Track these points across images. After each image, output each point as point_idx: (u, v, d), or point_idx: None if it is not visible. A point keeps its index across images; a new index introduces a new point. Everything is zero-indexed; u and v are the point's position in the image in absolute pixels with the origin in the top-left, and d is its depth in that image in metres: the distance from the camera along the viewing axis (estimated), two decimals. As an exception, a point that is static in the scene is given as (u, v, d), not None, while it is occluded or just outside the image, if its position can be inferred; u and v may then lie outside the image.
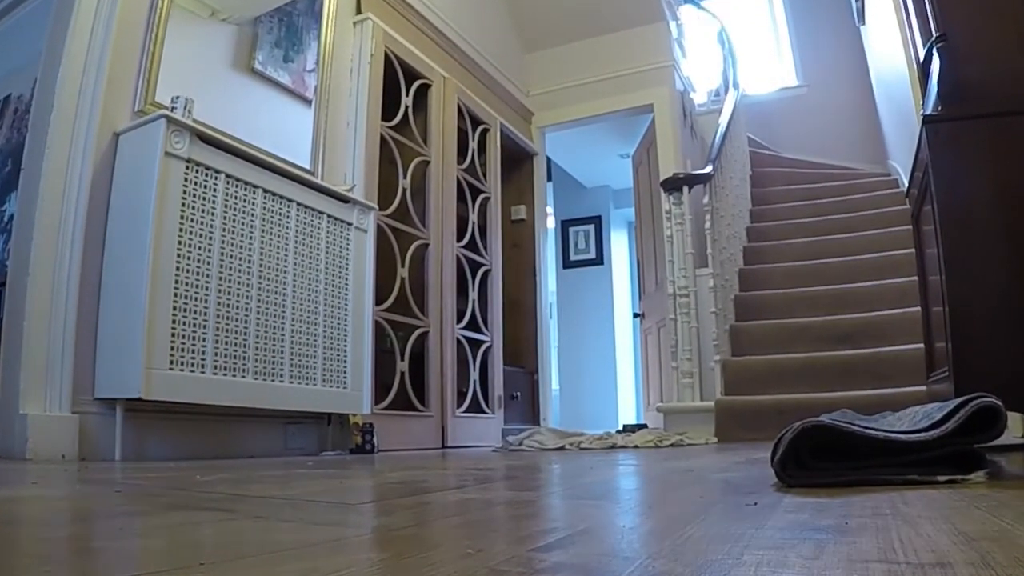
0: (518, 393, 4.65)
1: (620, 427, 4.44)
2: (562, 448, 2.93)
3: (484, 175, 4.44)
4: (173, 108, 2.25)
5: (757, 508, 0.83)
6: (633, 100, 4.89)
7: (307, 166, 2.97)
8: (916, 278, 2.45)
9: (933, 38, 1.88)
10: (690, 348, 3.48)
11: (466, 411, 3.87)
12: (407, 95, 3.70)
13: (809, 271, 4.10)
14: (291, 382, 2.51)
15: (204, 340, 2.20)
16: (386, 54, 3.52)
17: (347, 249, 2.86)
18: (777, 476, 1.07)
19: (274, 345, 2.46)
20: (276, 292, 2.49)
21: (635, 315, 5.41)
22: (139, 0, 2.35)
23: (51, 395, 1.99)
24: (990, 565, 0.50)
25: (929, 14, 1.93)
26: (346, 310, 2.82)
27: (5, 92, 3.01)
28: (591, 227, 7.02)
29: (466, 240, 4.12)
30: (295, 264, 2.59)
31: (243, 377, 2.32)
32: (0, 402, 1.98)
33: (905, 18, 2.73)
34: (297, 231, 2.62)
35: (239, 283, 2.34)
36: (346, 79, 3.31)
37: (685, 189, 3.65)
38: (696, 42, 5.69)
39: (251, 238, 2.41)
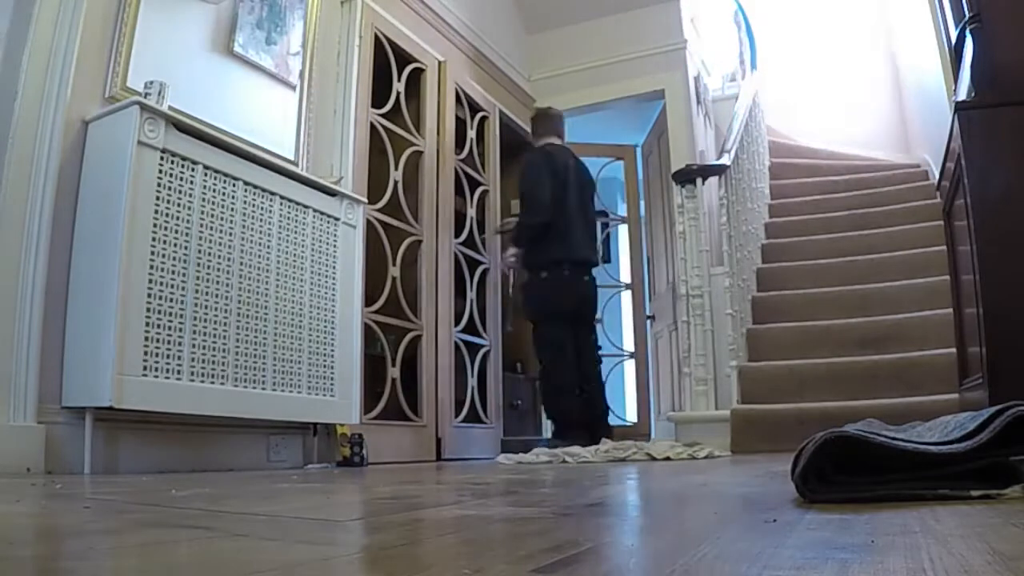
0: (519, 401, 4.65)
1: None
2: (565, 461, 2.93)
3: (483, 166, 4.44)
4: (147, 94, 2.25)
5: (776, 525, 0.83)
6: (642, 85, 4.89)
7: (291, 156, 2.97)
8: (948, 277, 2.45)
9: (966, 18, 1.88)
10: (704, 353, 3.48)
11: (463, 421, 3.87)
12: (399, 80, 3.70)
13: (832, 270, 4.10)
14: (274, 390, 2.51)
15: (180, 344, 2.20)
16: (376, 36, 3.52)
17: (334, 246, 2.86)
18: (798, 491, 1.08)
19: (256, 350, 2.46)
20: (258, 292, 2.50)
21: (645, 317, 5.41)
22: (110, -22, 2.36)
23: (15, 403, 1.99)
24: (1027, 587, 0.50)
25: (962, -8, 1.93)
26: (333, 312, 2.82)
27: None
28: (597, 222, 6.99)
29: (464, 236, 4.12)
30: (278, 262, 2.59)
31: (222, 384, 2.32)
32: (-40, 411, 1.98)
33: (936, -3, 2.73)
34: (280, 226, 2.62)
35: (218, 283, 2.34)
36: (333, 63, 3.31)
37: (699, 181, 3.65)
38: (711, 23, 5.69)
39: (231, 234, 2.41)
